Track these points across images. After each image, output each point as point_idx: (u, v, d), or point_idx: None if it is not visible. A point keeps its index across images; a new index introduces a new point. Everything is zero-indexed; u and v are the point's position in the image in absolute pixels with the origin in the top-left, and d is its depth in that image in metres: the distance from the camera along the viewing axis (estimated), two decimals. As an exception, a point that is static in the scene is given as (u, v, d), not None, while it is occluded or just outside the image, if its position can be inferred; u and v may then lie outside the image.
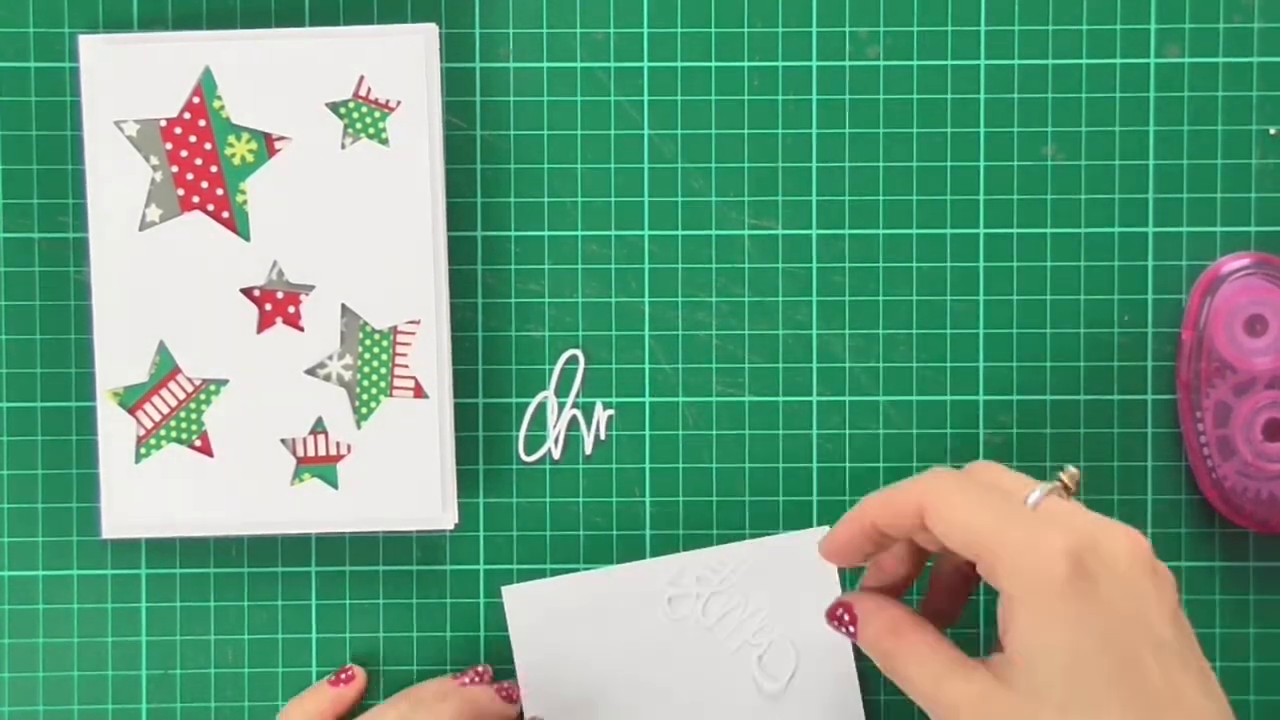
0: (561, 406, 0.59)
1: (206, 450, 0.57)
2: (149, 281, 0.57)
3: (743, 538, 0.59)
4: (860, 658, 0.58)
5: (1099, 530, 0.48)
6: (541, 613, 0.59)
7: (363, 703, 0.59)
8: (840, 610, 0.53)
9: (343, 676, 0.59)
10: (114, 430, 0.57)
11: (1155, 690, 0.46)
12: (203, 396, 0.57)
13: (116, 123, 0.57)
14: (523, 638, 0.59)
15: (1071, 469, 0.51)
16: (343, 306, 0.57)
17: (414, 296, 0.57)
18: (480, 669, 0.59)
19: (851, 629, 0.53)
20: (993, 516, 0.48)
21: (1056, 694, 0.47)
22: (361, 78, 0.57)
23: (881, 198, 0.59)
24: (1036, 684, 0.47)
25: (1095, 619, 0.47)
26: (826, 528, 0.56)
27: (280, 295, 0.57)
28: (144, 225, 0.57)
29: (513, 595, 0.59)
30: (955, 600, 0.54)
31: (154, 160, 0.57)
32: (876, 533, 0.52)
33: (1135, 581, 0.47)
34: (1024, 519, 0.48)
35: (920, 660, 0.50)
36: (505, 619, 0.59)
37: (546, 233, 0.59)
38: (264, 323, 0.57)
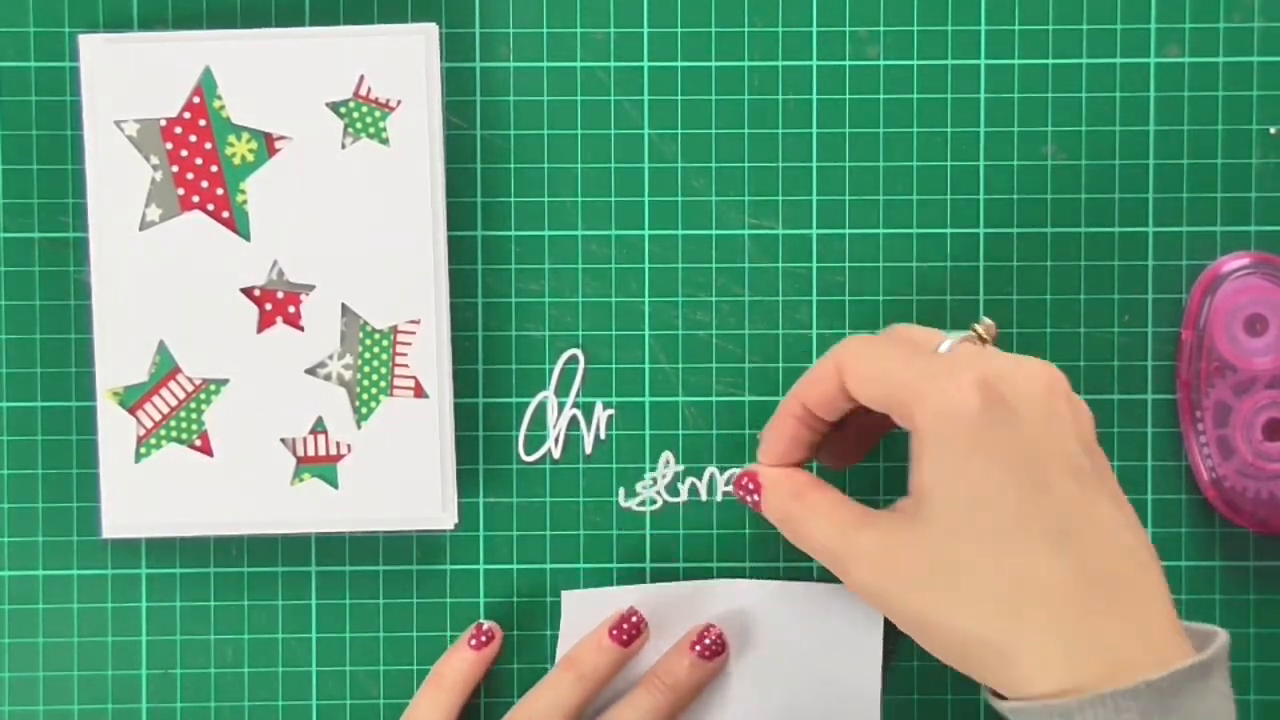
0: (561, 406, 0.59)
1: (206, 450, 0.57)
2: (149, 281, 0.57)
3: (743, 538, 0.59)
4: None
5: (1013, 363, 0.48)
6: (595, 619, 0.58)
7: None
8: (745, 480, 0.54)
9: (482, 638, 0.58)
10: (114, 430, 0.57)
11: (1069, 512, 0.46)
12: (203, 396, 0.57)
13: (116, 122, 0.57)
14: (572, 642, 0.58)
15: (987, 320, 0.51)
16: (343, 306, 0.57)
17: (414, 296, 0.57)
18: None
19: (756, 497, 0.54)
20: (905, 363, 0.49)
21: (963, 523, 0.46)
22: (361, 77, 0.57)
23: (881, 198, 0.59)
24: (942, 515, 0.47)
25: (1007, 447, 0.46)
26: None
27: (280, 295, 0.57)
28: (144, 225, 0.57)
29: (571, 600, 0.58)
30: (862, 445, 0.56)
31: (154, 160, 0.57)
32: (808, 415, 0.52)
33: (1051, 409, 0.47)
34: (935, 361, 0.48)
35: (824, 516, 0.51)
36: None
37: (546, 232, 0.59)
38: (264, 322, 0.57)
